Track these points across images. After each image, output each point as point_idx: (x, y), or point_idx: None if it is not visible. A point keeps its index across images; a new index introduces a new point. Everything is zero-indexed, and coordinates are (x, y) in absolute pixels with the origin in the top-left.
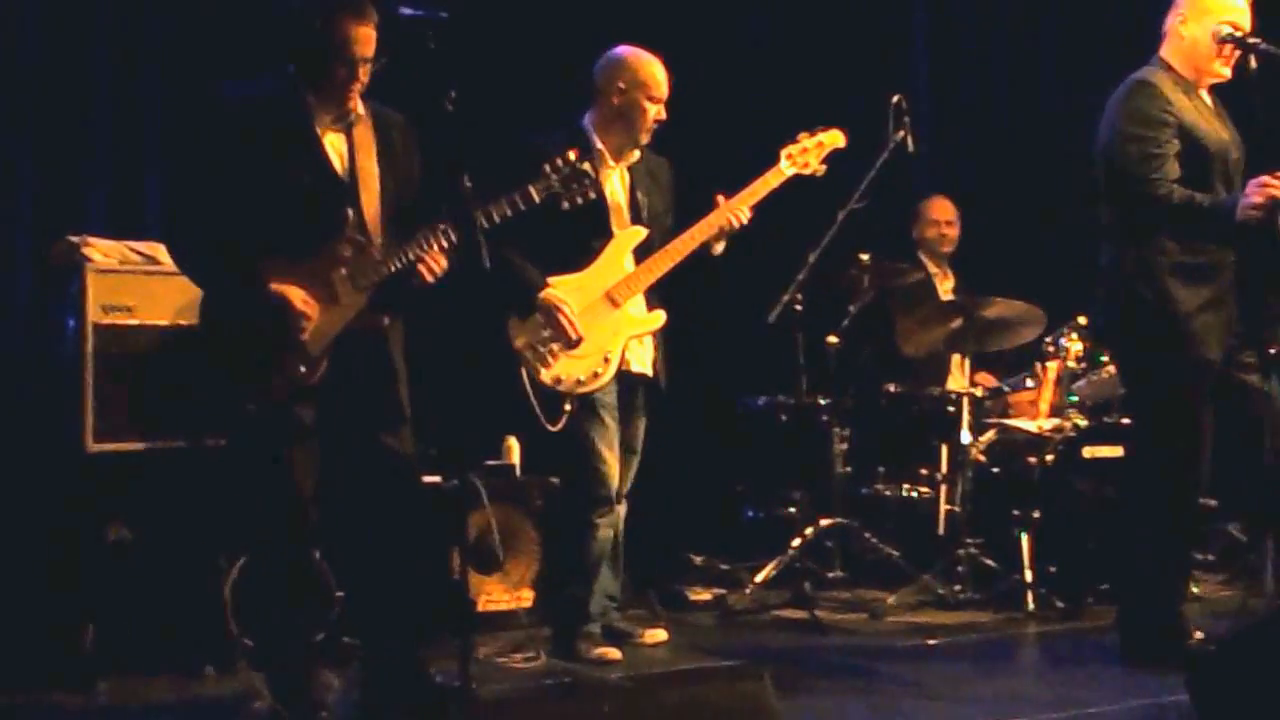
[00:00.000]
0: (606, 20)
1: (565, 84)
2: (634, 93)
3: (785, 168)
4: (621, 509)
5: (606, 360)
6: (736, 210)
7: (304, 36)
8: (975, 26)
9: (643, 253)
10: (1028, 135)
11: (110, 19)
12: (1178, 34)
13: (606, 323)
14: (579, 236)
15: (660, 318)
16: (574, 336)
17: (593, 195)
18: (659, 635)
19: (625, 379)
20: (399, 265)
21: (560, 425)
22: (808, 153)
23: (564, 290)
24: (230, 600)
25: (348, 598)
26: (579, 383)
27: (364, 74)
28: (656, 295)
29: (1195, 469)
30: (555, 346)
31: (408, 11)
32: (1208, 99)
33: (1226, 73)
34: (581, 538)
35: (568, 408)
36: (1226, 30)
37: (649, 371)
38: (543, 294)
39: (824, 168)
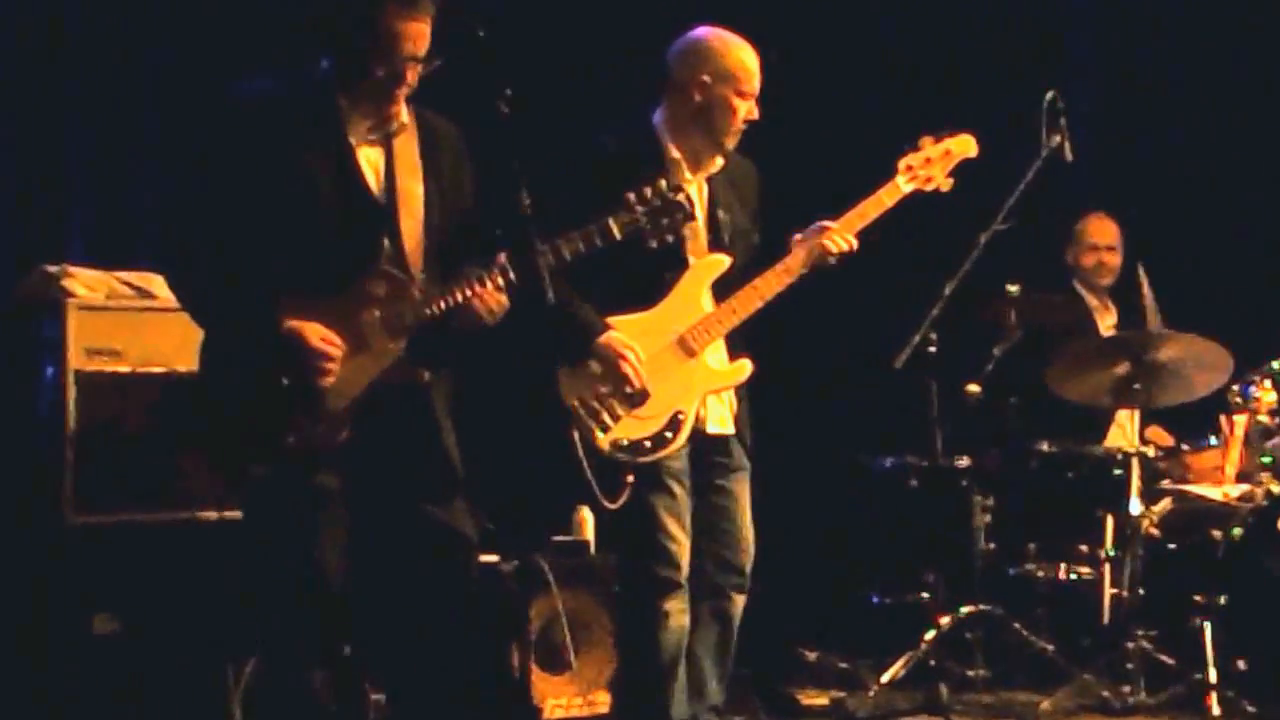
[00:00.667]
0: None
1: (646, 78)
2: (720, 87)
3: (903, 183)
4: (740, 599)
5: (678, 421)
6: (840, 238)
7: (343, 27)
8: (1151, 6)
9: (723, 284)
10: (1213, 141)
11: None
12: None
13: (678, 375)
14: (647, 266)
15: (745, 369)
16: (637, 387)
17: (686, 234)
18: None
19: (699, 441)
20: (444, 308)
21: (620, 502)
22: (931, 164)
23: (628, 334)
24: (240, 706)
25: (389, 703)
26: (642, 449)
27: (412, 76)
28: (740, 338)
29: None
30: (615, 404)
31: None
32: None
33: None
34: (652, 629)
35: (629, 480)
36: None
37: (729, 430)
38: (603, 338)
39: (951, 182)
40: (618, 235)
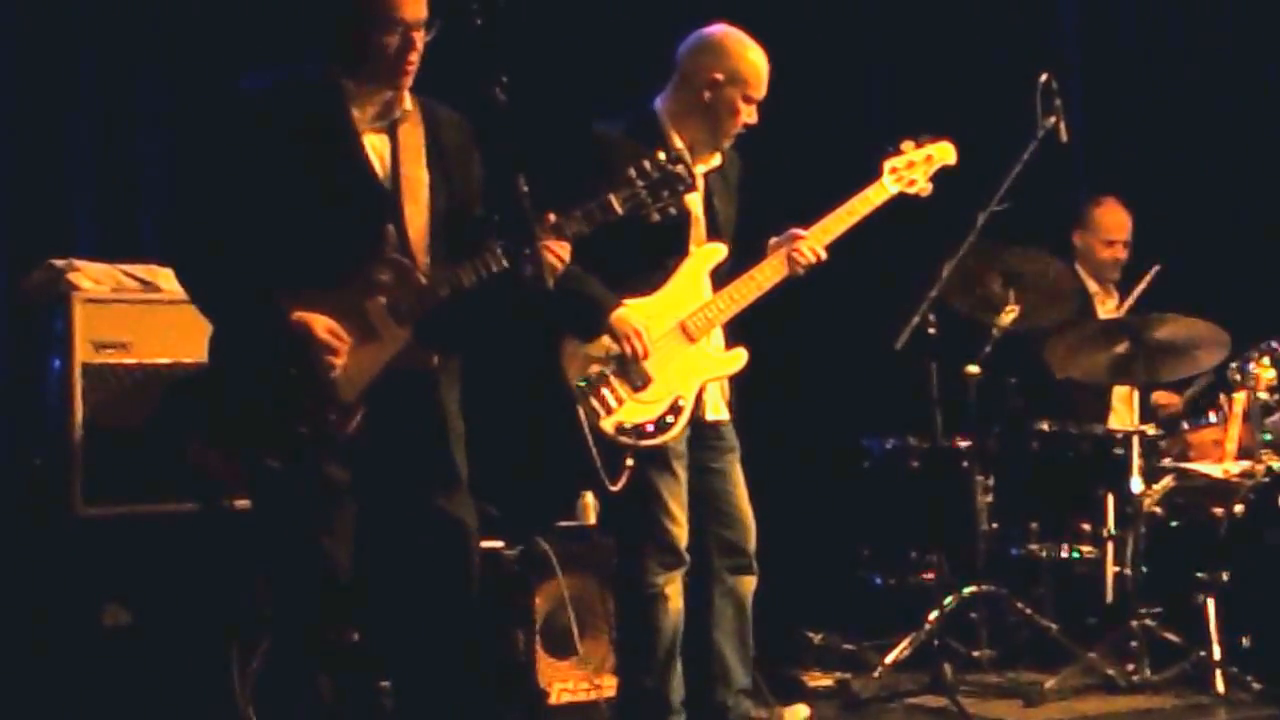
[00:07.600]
0: None
1: (643, 64)
2: (729, 89)
3: (889, 183)
4: (750, 579)
5: (678, 407)
6: (809, 249)
7: (341, 3)
8: None
9: (718, 274)
10: (1207, 119)
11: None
12: None
13: (679, 360)
14: (650, 252)
15: (741, 358)
16: (641, 367)
17: (690, 214)
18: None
19: (698, 427)
20: (450, 290)
21: (621, 484)
22: (914, 167)
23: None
24: (250, 694)
25: (395, 689)
26: (645, 433)
27: (419, 42)
28: (734, 326)
29: None
30: (618, 387)
31: None
32: None
33: None
34: (651, 612)
35: (629, 463)
36: None
37: (725, 416)
38: (617, 314)
39: (931, 187)
40: (619, 210)
